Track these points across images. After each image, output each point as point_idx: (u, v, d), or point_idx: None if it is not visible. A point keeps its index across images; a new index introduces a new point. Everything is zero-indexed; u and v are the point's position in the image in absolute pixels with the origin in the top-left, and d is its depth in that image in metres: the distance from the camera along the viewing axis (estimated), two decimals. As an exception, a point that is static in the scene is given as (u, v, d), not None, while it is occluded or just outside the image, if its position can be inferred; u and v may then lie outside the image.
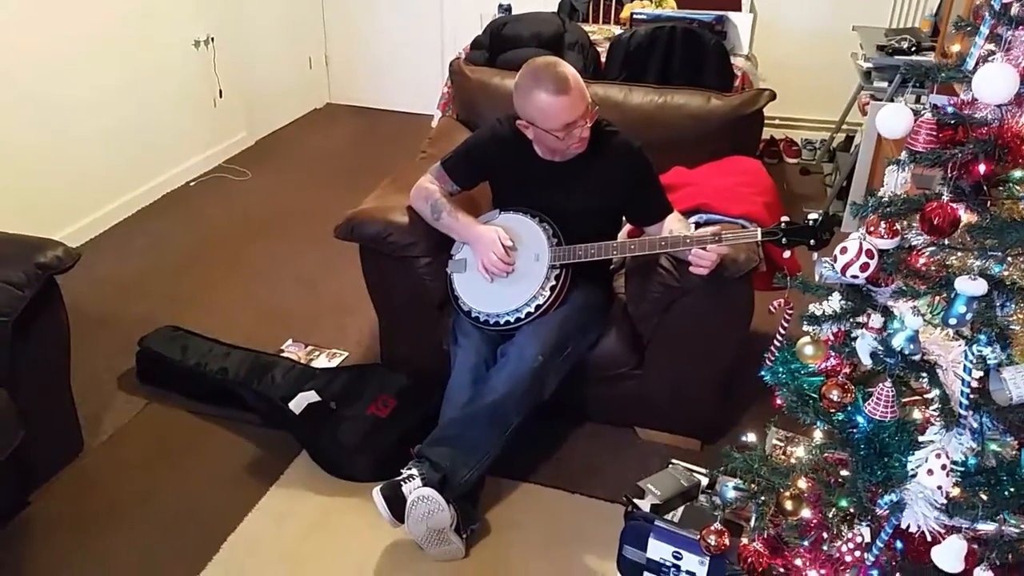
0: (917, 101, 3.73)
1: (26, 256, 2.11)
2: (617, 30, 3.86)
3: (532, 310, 2.22)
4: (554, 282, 2.22)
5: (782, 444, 1.89)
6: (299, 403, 2.48)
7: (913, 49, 3.66)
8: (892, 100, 3.66)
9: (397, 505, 2.00)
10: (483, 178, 2.40)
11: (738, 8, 4.00)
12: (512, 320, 2.24)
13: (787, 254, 1.98)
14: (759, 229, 2.03)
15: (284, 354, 2.86)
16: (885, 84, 3.68)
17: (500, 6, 3.92)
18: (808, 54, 4.46)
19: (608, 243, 2.23)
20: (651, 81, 3.18)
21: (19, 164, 3.29)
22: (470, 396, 2.18)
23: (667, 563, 1.85)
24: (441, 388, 2.29)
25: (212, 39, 4.23)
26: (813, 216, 1.94)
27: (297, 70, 5.14)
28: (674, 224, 2.24)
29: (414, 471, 2.04)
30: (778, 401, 1.58)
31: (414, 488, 1.99)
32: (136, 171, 3.92)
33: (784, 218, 1.99)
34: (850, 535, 1.45)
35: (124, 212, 3.85)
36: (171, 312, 3.06)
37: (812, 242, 1.93)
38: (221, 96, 4.36)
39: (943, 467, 1.26)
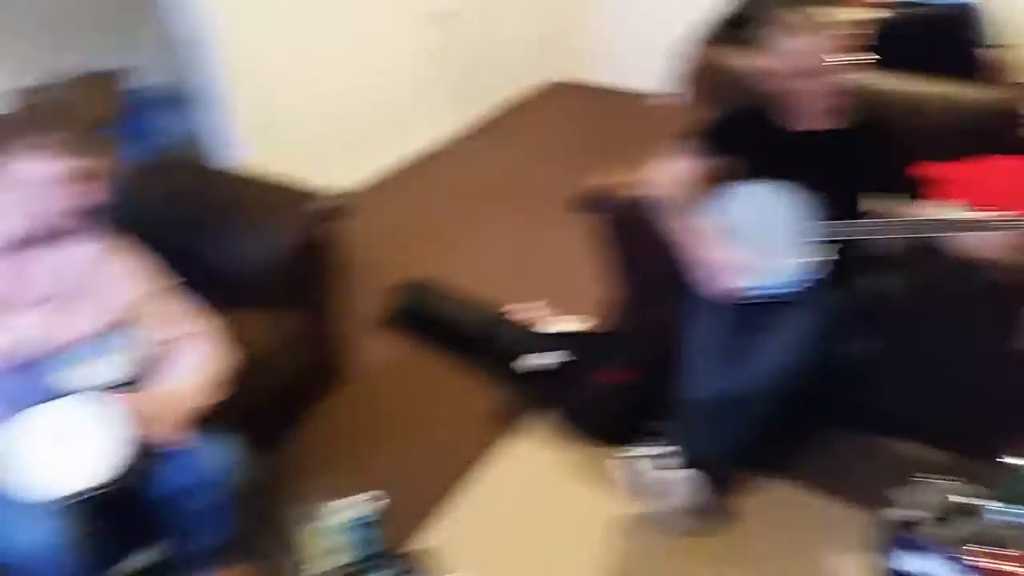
0: None
1: (302, 204, 2.38)
2: (867, 13, 3.69)
3: (797, 284, 2.13)
4: (811, 259, 2.11)
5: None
6: (536, 361, 2.64)
7: None
8: None
9: (636, 478, 2.07)
10: (733, 151, 2.28)
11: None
12: (778, 291, 2.15)
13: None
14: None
15: (518, 315, 3.04)
16: None
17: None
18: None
19: (871, 222, 2.07)
20: (905, 68, 3.03)
21: (291, 123, 3.69)
22: (714, 380, 2.15)
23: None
24: (675, 365, 2.27)
25: (447, 14, 4.44)
26: None
27: (528, 46, 5.24)
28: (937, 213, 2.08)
29: (655, 450, 2.08)
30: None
31: (655, 465, 2.05)
32: (371, 141, 4.23)
33: None
34: None
35: (379, 175, 4.21)
36: (425, 265, 3.32)
37: None
38: (453, 70, 4.60)
39: None
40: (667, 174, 2.29)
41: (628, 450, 2.17)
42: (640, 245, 2.48)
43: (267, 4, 3.50)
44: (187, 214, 2.38)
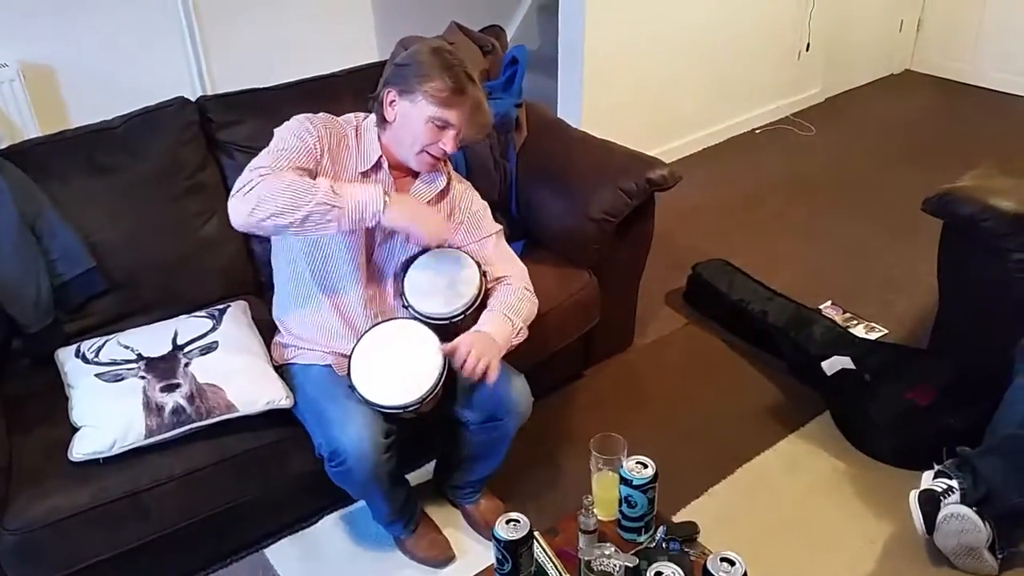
0: None
1: (640, 170, 2.41)
2: None
3: None
4: None
5: None
6: (832, 365, 2.49)
7: None
8: None
9: (930, 510, 1.92)
10: None
11: None
12: None
13: None
14: None
15: (822, 314, 2.88)
16: None
17: None
18: None
19: None
20: None
21: (623, 88, 3.74)
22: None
23: None
24: (995, 393, 2.09)
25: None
26: None
27: (885, 31, 4.91)
28: None
29: (955, 483, 1.92)
30: None
31: (952, 502, 1.90)
32: (711, 111, 4.19)
33: None
34: None
35: (693, 147, 4.16)
36: (719, 247, 3.25)
37: None
38: (808, 49, 4.39)
39: None
40: None
41: (923, 477, 2.00)
42: (979, 260, 2.24)
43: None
44: (537, 167, 2.52)
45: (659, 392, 2.62)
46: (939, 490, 1.93)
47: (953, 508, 1.89)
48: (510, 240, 2.10)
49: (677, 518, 1.97)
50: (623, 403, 2.57)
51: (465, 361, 1.72)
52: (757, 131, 4.38)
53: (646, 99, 3.85)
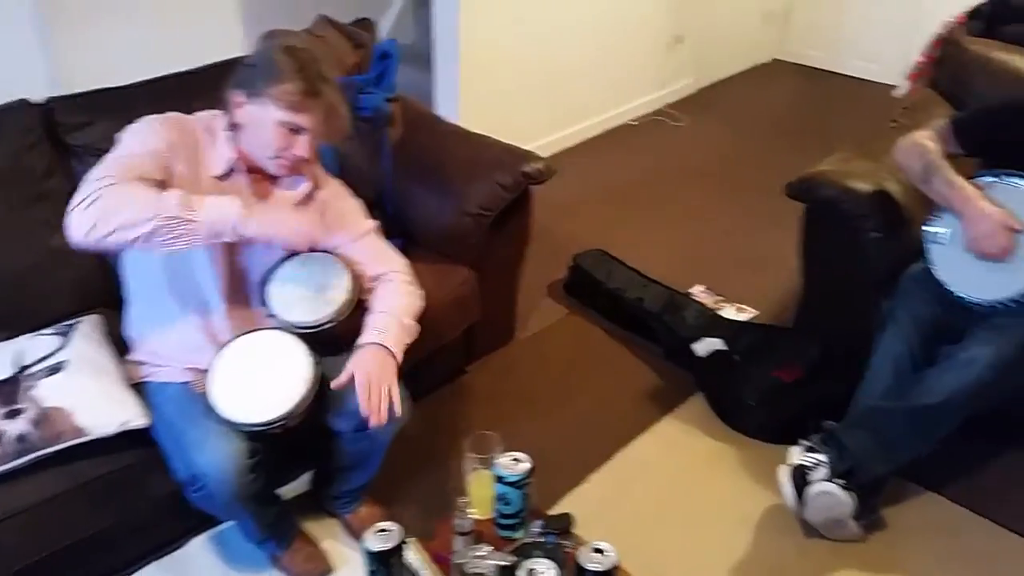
0: None
1: (515, 164, 2.41)
2: None
3: (1020, 299, 1.96)
4: None
5: None
6: (705, 347, 2.56)
7: None
8: None
9: (799, 484, 1.99)
10: (991, 147, 2.12)
11: None
12: (999, 306, 1.99)
13: None
14: None
15: (693, 297, 2.96)
16: None
17: (1007, -28, 3.48)
18: None
19: None
20: None
21: (507, 73, 3.73)
22: (893, 387, 2.06)
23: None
24: (857, 367, 2.19)
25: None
26: None
27: (753, 22, 5.10)
28: None
29: (822, 457, 2.00)
30: None
31: (819, 478, 1.97)
32: (586, 105, 4.24)
33: None
34: None
35: (573, 140, 4.21)
36: (599, 237, 3.29)
37: None
38: (678, 41, 4.50)
39: None
40: (917, 151, 2.11)
41: (790, 452, 2.08)
42: (838, 241, 2.35)
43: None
44: (411, 163, 2.48)
45: (541, 384, 2.63)
46: (807, 464, 2.00)
47: (820, 485, 1.96)
48: (388, 238, 2.04)
49: (556, 509, 1.98)
50: (506, 398, 2.57)
51: (368, 399, 1.66)
52: (634, 123, 4.47)
53: (525, 92, 3.86)
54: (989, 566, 2.00)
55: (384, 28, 4.19)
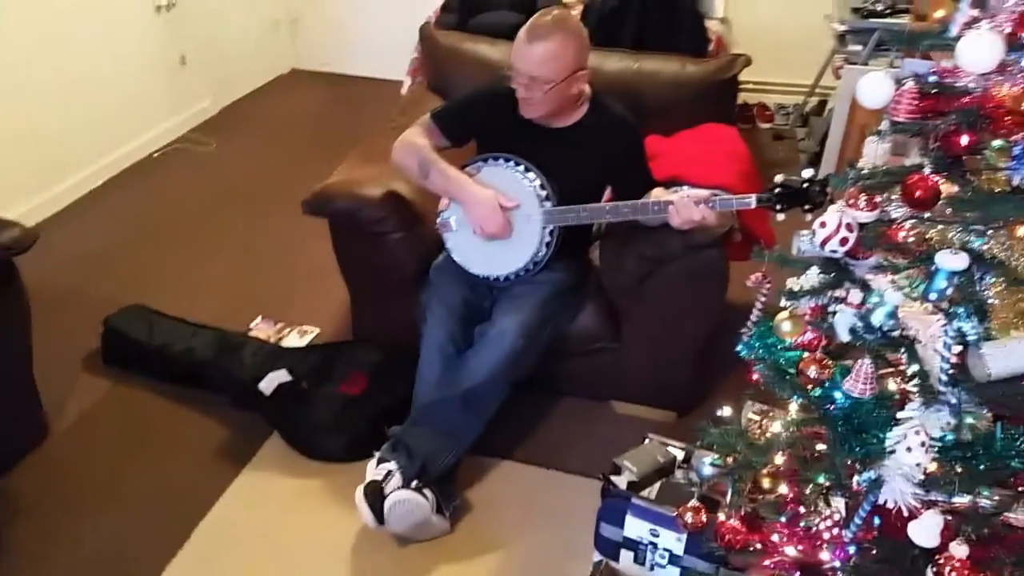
0: (892, 65, 3.70)
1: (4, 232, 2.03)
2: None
3: (531, 267, 2.18)
4: (548, 238, 2.16)
5: (758, 418, 1.87)
6: (269, 383, 2.43)
7: (888, 12, 3.61)
8: (866, 64, 3.63)
9: (376, 500, 1.97)
10: (474, 134, 2.29)
11: (712, -31, 3.92)
12: (512, 277, 2.20)
13: (779, 216, 1.90)
14: (753, 196, 1.94)
15: (253, 332, 2.81)
16: (859, 47, 3.63)
17: (470, -32, 3.81)
18: (781, 16, 4.39)
19: (599, 205, 2.14)
20: (626, 46, 3.10)
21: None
22: (442, 376, 2.14)
23: (644, 540, 1.84)
24: (414, 364, 2.25)
25: (173, 3, 4.09)
26: (807, 174, 1.82)
27: (262, 34, 4.99)
28: (658, 195, 2.19)
29: (392, 465, 2.00)
30: (754, 376, 1.55)
31: (394, 488, 1.97)
32: (96, 143, 3.79)
33: (778, 178, 1.88)
34: (828, 512, 1.44)
35: (85, 186, 3.73)
36: (136, 290, 2.98)
37: (807, 206, 1.85)
38: (183, 63, 4.23)
39: (922, 444, 1.25)
40: (410, 151, 2.20)
41: (367, 468, 2.06)
42: (365, 247, 2.36)
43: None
44: None
45: (95, 477, 2.29)
46: (380, 478, 1.99)
47: (395, 496, 1.96)
48: None
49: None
50: (54, 505, 2.19)
51: None
52: (155, 155, 4.11)
53: (7, 148, 3.31)
54: (562, 513, 2.17)
55: None
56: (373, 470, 2.03)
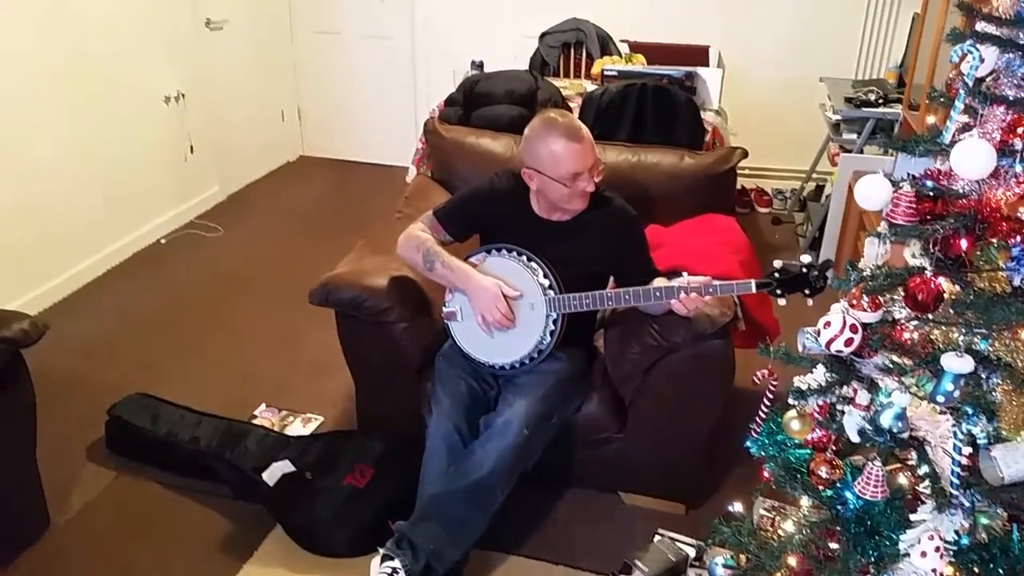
0: (886, 152, 3.79)
1: (9, 325, 2.04)
2: (589, 85, 3.89)
3: (535, 355, 2.21)
4: (552, 326, 2.19)
5: (770, 515, 1.86)
6: (273, 474, 2.40)
7: (880, 101, 3.72)
8: (861, 152, 3.72)
9: None
10: (477, 230, 2.35)
11: (706, 63, 4.05)
12: (517, 365, 2.23)
13: (780, 301, 1.93)
14: (753, 281, 1.97)
15: (257, 420, 2.80)
16: (854, 135, 3.73)
17: (472, 63, 3.95)
18: (777, 104, 4.53)
19: (602, 292, 2.17)
20: (623, 138, 3.19)
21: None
22: (448, 469, 2.12)
23: (657, 640, 1.81)
24: (420, 455, 2.24)
25: (183, 95, 4.21)
26: (806, 260, 1.88)
27: (269, 123, 5.13)
28: (660, 284, 2.22)
29: (397, 563, 1.97)
30: (765, 473, 1.55)
31: None
32: (105, 229, 3.86)
33: (777, 264, 1.91)
34: (844, 614, 1.42)
35: (93, 272, 3.77)
36: (141, 378, 2.98)
37: (807, 291, 1.88)
38: (192, 152, 4.34)
39: (936, 549, 1.24)
40: (414, 244, 2.26)
41: (372, 566, 2.03)
42: (371, 336, 2.38)
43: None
44: None
45: (95, 570, 2.24)
46: (385, 573, 1.96)
47: (399, 587, 1.93)
48: None
49: None
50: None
51: None
52: (163, 241, 4.17)
53: (16, 234, 3.36)
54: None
55: None
56: (377, 568, 1.99)
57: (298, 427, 2.80)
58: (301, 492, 2.35)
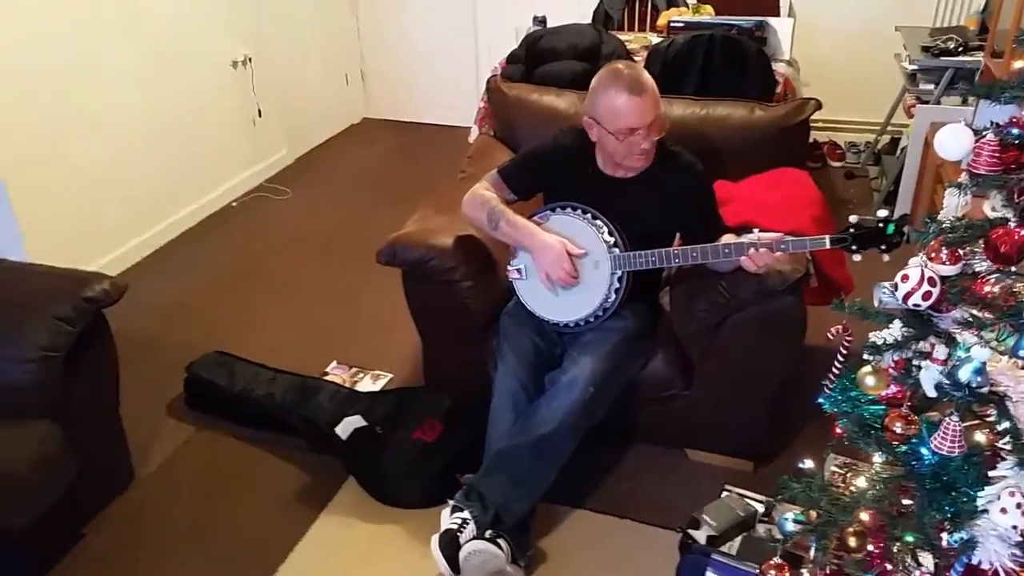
0: (964, 102, 3.63)
1: (74, 291, 2.13)
2: (654, 38, 3.81)
3: (600, 313, 2.20)
4: (617, 284, 2.17)
5: (841, 472, 1.83)
6: (345, 428, 2.47)
7: (960, 49, 3.55)
8: (939, 103, 3.57)
9: (452, 551, 1.98)
10: (541, 188, 2.35)
11: (777, 12, 3.93)
12: (582, 323, 2.23)
13: (855, 257, 1.88)
14: (827, 236, 1.92)
15: (328, 376, 2.87)
16: (931, 86, 3.58)
17: (535, 18, 3.90)
18: (850, 55, 4.37)
19: (669, 249, 2.13)
20: (690, 91, 3.12)
21: (63, 190, 3.35)
22: (514, 424, 2.15)
23: (725, 595, 1.81)
24: (486, 410, 2.27)
25: (249, 59, 4.28)
26: (883, 214, 1.81)
27: (334, 86, 5.17)
28: (729, 240, 2.18)
29: (467, 514, 2.01)
30: (838, 430, 1.53)
31: (469, 537, 1.98)
32: (178, 194, 3.97)
33: (852, 218, 1.86)
34: (917, 571, 1.40)
35: (167, 235, 3.90)
36: (217, 336, 3.08)
37: (884, 246, 1.83)
38: (260, 115, 4.41)
39: (1017, 505, 1.21)
40: (479, 203, 2.27)
41: (441, 516, 2.08)
42: (437, 295, 2.41)
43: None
44: None
45: (177, 523, 2.35)
46: (455, 527, 2.00)
47: (470, 546, 1.97)
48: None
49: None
50: (140, 551, 2.25)
51: None
52: (234, 204, 4.28)
53: (95, 199, 3.49)
54: (638, 565, 2.14)
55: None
56: (448, 518, 2.04)
57: (368, 383, 2.86)
58: (372, 446, 2.42)
